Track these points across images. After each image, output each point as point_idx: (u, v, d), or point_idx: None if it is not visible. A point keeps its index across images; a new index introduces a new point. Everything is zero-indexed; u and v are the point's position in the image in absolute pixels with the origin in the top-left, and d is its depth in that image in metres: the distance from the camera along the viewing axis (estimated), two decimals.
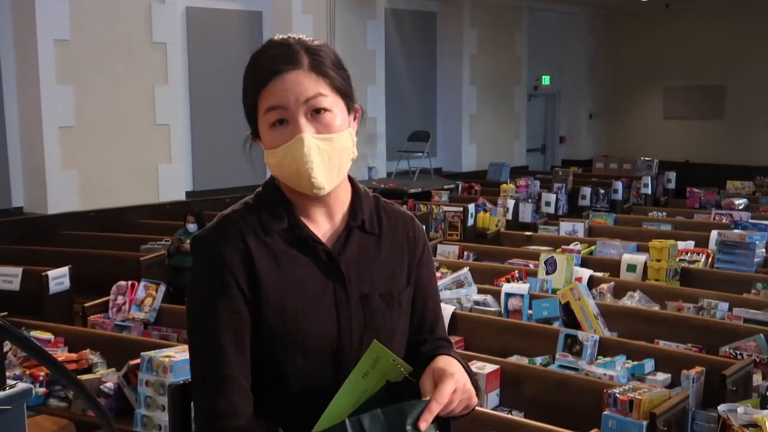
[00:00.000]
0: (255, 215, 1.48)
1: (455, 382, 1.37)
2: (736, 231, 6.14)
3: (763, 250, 5.80)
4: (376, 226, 1.55)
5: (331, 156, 1.45)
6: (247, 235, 1.45)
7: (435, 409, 1.33)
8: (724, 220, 7.34)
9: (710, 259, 5.75)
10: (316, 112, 1.44)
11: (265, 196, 1.52)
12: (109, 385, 3.69)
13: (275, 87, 1.42)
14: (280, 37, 1.50)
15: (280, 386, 1.45)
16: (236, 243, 1.43)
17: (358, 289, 1.49)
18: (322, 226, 1.51)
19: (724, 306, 4.63)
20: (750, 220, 6.97)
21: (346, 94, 1.48)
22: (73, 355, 3.98)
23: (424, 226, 6.16)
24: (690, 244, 5.99)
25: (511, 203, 8.37)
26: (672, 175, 11.38)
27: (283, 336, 1.43)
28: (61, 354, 4.02)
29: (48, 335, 4.18)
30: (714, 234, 6.11)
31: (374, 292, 1.50)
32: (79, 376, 3.76)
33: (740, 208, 8.15)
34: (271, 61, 1.44)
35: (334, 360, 1.45)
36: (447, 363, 1.42)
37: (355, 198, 1.55)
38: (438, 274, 5.42)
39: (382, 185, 10.06)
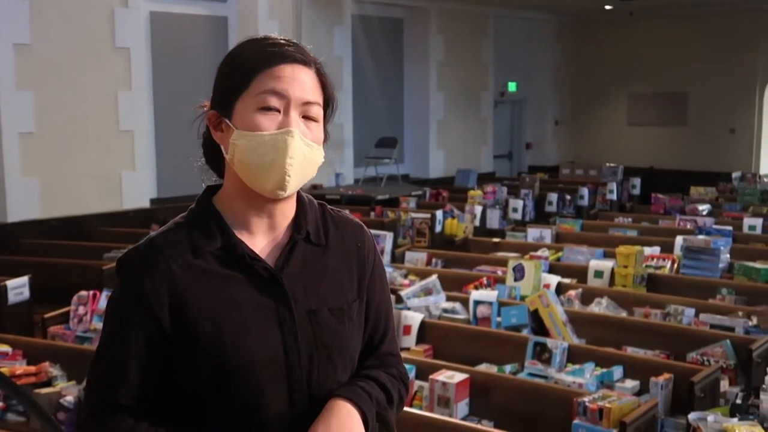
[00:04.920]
0: (185, 236, 1.40)
1: None
2: (700, 237, 6.19)
3: (728, 255, 5.85)
4: (323, 237, 1.48)
5: (306, 164, 1.40)
6: (175, 261, 1.37)
7: None
8: (688, 226, 7.41)
9: (676, 265, 5.79)
10: (305, 117, 1.41)
11: (197, 213, 1.45)
12: (70, 398, 3.59)
13: (283, 72, 1.38)
14: (278, 35, 1.45)
15: (231, 415, 1.38)
16: (161, 272, 1.36)
17: (305, 305, 1.41)
18: (264, 240, 1.44)
19: (690, 312, 4.66)
20: (714, 226, 7.04)
21: (327, 113, 1.46)
22: (32, 368, 3.86)
23: (391, 233, 6.11)
24: (656, 250, 6.03)
25: (478, 209, 8.37)
26: (637, 181, 11.48)
27: (226, 363, 1.35)
28: (20, 367, 3.90)
29: (6, 348, 4.06)
30: (679, 240, 6.16)
31: (323, 307, 1.43)
32: (37, 390, 3.66)
33: (704, 213, 8.23)
34: (283, 48, 1.40)
35: (284, 382, 1.39)
36: (325, 423, 1.38)
37: (300, 209, 1.48)
38: (406, 282, 5.39)
39: (350, 192, 10.02)
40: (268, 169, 1.37)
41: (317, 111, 1.42)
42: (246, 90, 1.38)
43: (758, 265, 5.54)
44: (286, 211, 1.46)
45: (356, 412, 1.41)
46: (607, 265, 5.62)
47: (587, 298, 5.03)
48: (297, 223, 1.47)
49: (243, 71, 1.39)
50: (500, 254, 6.57)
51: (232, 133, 1.39)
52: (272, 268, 1.41)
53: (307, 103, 1.40)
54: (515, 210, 9.21)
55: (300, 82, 1.39)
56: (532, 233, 7.19)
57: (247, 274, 1.40)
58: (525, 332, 4.38)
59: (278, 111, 1.38)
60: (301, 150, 1.38)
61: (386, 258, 6.29)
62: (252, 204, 1.42)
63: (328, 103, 1.46)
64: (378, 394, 1.47)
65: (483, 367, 4.01)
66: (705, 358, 3.95)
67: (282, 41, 1.42)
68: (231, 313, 1.37)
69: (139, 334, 1.36)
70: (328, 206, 1.55)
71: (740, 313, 4.54)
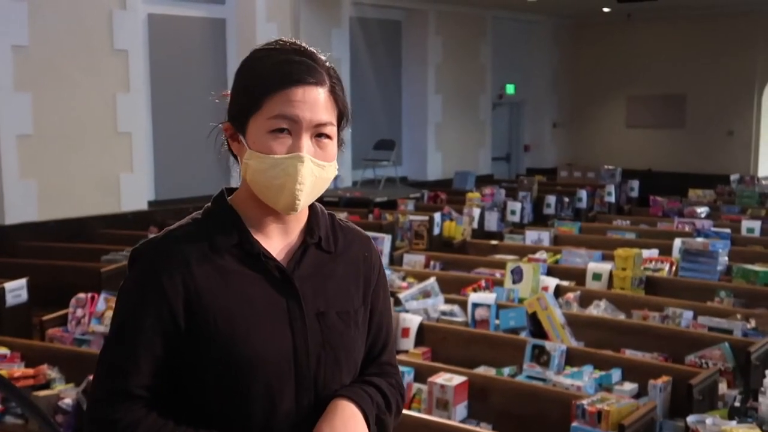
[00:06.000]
0: (203, 232, 1.42)
1: None
2: (699, 239, 6.20)
3: (726, 258, 5.86)
4: (332, 244, 1.51)
5: (317, 183, 1.42)
6: (192, 255, 1.38)
7: None
8: (686, 229, 7.41)
9: (674, 268, 5.79)
10: (318, 137, 1.41)
11: (214, 211, 1.46)
12: (68, 401, 3.58)
13: (295, 96, 1.37)
14: (292, 40, 1.45)
15: (239, 413, 1.38)
16: (179, 265, 1.37)
17: (314, 307, 1.44)
18: (277, 242, 1.46)
19: (688, 314, 4.66)
20: (712, 228, 7.04)
21: (342, 125, 1.46)
22: (30, 371, 3.85)
23: (390, 236, 6.10)
24: (654, 253, 6.03)
25: (476, 212, 8.36)
26: (635, 183, 11.49)
27: (236, 358, 1.36)
28: (18, 369, 3.89)
29: (4, 350, 4.05)
30: (677, 242, 6.16)
31: (330, 310, 1.45)
32: (36, 393, 3.66)
33: (702, 216, 8.24)
34: (295, 66, 1.39)
35: (292, 381, 1.40)
36: (328, 422, 1.40)
37: (312, 215, 1.51)
38: (404, 284, 5.39)
39: (348, 194, 10.01)
40: (278, 192, 1.39)
41: (330, 129, 1.42)
42: (258, 111, 1.39)
43: (757, 267, 5.54)
44: (298, 218, 1.49)
45: (359, 412, 1.42)
46: (605, 267, 5.62)
47: (585, 300, 5.03)
48: (309, 228, 1.49)
49: (255, 91, 1.39)
50: (498, 257, 6.57)
51: (245, 151, 1.41)
52: (285, 267, 1.43)
53: (320, 125, 1.40)
54: (513, 212, 9.21)
55: (311, 105, 1.38)
56: (531, 236, 7.20)
57: (261, 273, 1.41)
58: (523, 335, 4.38)
59: (290, 133, 1.39)
60: (312, 172, 1.40)
61: (384, 260, 6.28)
62: (266, 210, 1.45)
63: (342, 116, 1.46)
64: (379, 399, 1.49)
65: (481, 370, 4.01)
66: (703, 361, 3.95)
67: (295, 57, 1.41)
68: (243, 309, 1.38)
69: (153, 324, 1.36)
70: (338, 217, 1.58)
71: (738, 316, 4.54)
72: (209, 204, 1.48)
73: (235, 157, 1.49)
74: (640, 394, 3.66)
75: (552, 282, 5.26)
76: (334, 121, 1.43)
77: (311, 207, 1.51)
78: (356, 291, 1.51)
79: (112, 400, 1.36)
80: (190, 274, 1.37)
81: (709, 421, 2.82)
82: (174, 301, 1.36)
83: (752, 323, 4.48)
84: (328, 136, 1.42)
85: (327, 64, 1.44)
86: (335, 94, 1.43)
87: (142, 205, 8.57)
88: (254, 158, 1.39)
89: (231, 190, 1.51)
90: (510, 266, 5.24)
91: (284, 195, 1.39)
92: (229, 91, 1.47)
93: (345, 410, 1.41)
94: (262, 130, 1.39)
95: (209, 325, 1.36)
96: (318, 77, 1.40)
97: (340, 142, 1.47)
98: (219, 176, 1.55)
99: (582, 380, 3.67)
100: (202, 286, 1.37)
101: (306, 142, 1.39)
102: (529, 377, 3.87)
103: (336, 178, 8.32)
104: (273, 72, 1.39)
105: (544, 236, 7.12)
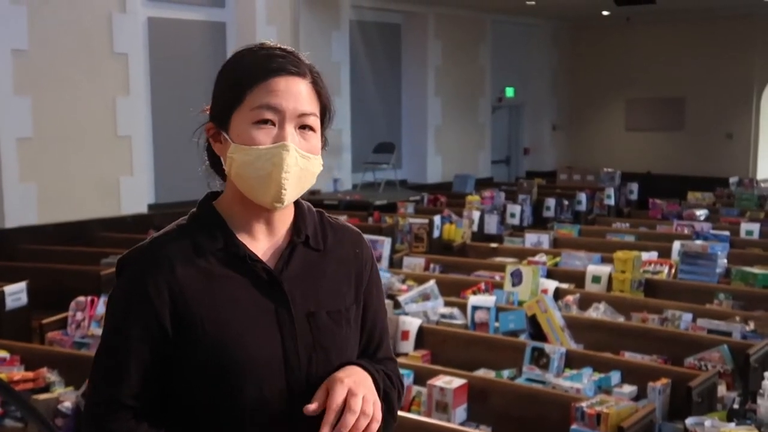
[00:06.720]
0: (188, 237, 1.42)
1: (346, 385, 1.36)
2: (698, 242, 6.20)
3: (725, 260, 5.86)
4: (321, 242, 1.50)
5: (303, 175, 1.41)
6: (178, 260, 1.38)
7: (331, 417, 1.32)
8: (686, 231, 7.42)
9: (673, 270, 5.80)
10: (302, 128, 1.41)
11: (199, 215, 1.46)
12: (68, 404, 3.58)
13: (277, 86, 1.38)
14: (273, 43, 1.46)
15: (230, 416, 1.38)
16: (164, 271, 1.37)
17: (304, 307, 1.43)
18: (264, 243, 1.45)
19: (687, 317, 4.66)
20: (711, 231, 7.05)
21: (325, 121, 1.47)
22: (30, 374, 3.85)
23: (389, 239, 6.10)
24: (653, 255, 6.04)
25: (476, 215, 8.38)
26: (634, 186, 11.51)
27: (225, 363, 1.36)
28: (18, 373, 3.89)
29: (4, 353, 4.05)
30: (676, 245, 6.16)
31: (321, 310, 1.45)
32: (35, 396, 3.66)
33: (701, 219, 8.25)
34: (276, 59, 1.40)
35: (283, 383, 1.39)
36: (342, 372, 1.40)
37: (298, 214, 1.50)
38: (404, 287, 5.40)
39: (348, 197, 10.02)
40: (264, 183, 1.38)
41: (313, 121, 1.43)
42: (241, 104, 1.39)
43: (755, 270, 5.55)
44: (284, 217, 1.48)
45: (369, 376, 1.43)
46: (604, 270, 5.63)
47: (585, 303, 5.03)
48: (296, 227, 1.48)
49: (237, 85, 1.40)
50: (498, 259, 6.58)
51: (229, 147, 1.41)
52: (272, 270, 1.43)
53: (303, 115, 1.41)
54: (513, 215, 9.21)
55: (294, 95, 1.39)
56: (530, 238, 7.20)
57: (248, 276, 1.41)
58: (523, 337, 4.39)
59: (273, 124, 1.39)
60: (297, 162, 1.39)
61: (384, 263, 6.29)
62: (251, 210, 1.44)
63: (324, 112, 1.46)
64: (384, 377, 1.49)
65: (481, 373, 4.01)
66: (702, 363, 3.96)
67: (276, 51, 1.42)
68: (231, 313, 1.38)
69: (141, 332, 1.37)
70: (326, 214, 1.57)
71: (738, 318, 4.55)
72: (194, 209, 1.48)
73: (213, 166, 1.50)
74: (639, 396, 3.66)
75: (551, 284, 5.27)
76: (317, 113, 1.44)
77: (297, 205, 1.50)
78: (348, 289, 1.50)
79: (105, 409, 1.37)
80: (177, 281, 1.37)
81: (708, 423, 2.82)
82: (160, 309, 1.36)
83: (751, 325, 4.48)
84: (312, 128, 1.42)
85: (308, 62, 1.46)
86: (318, 86, 1.44)
87: (142, 209, 8.58)
88: (239, 151, 1.39)
89: (217, 194, 1.50)
90: (509, 269, 5.24)
91: (270, 186, 1.38)
92: (209, 107, 1.47)
93: (358, 369, 1.42)
94: (245, 122, 1.39)
95: (197, 329, 1.36)
96: (300, 68, 1.42)
97: (324, 141, 1.48)
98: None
99: (581, 383, 3.68)
100: (190, 292, 1.37)
101: (290, 131, 1.39)
102: (529, 380, 3.88)
103: (336, 181, 8.32)
104: (254, 66, 1.40)
105: (544, 239, 7.13)
